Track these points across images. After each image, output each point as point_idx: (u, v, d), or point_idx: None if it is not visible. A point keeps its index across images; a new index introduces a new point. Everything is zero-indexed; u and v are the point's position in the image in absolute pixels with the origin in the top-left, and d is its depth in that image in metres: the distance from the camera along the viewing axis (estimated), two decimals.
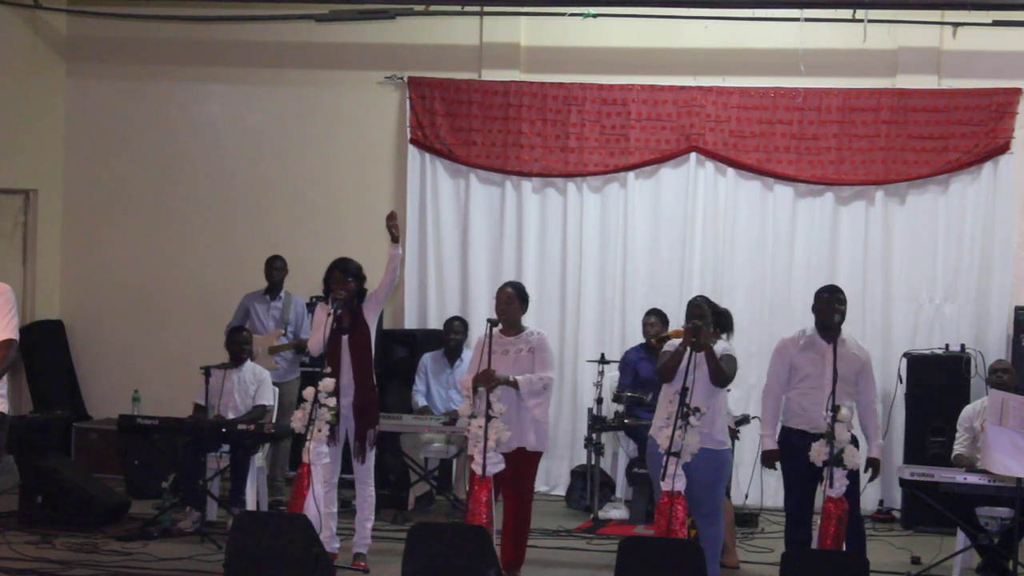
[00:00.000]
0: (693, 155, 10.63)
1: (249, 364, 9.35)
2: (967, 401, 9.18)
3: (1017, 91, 10.22)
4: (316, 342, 7.92)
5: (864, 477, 7.58)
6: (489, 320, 7.63)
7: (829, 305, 7.51)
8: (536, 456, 7.73)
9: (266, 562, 6.84)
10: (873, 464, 7.54)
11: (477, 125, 10.87)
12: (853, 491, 7.38)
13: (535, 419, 7.61)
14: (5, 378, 6.83)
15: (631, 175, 10.72)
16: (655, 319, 9.81)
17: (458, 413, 8.14)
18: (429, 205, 10.97)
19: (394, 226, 7.83)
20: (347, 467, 8.13)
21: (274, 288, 10.18)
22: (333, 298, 7.84)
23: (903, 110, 10.35)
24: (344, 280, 7.86)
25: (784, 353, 7.61)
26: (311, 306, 10.03)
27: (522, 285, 8.06)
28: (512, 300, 7.76)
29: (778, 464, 7.66)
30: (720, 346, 7.48)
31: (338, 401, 7.79)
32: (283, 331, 10.02)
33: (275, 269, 10.18)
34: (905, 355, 9.96)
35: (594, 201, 10.79)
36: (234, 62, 11.50)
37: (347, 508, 8.61)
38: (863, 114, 10.40)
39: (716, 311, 7.78)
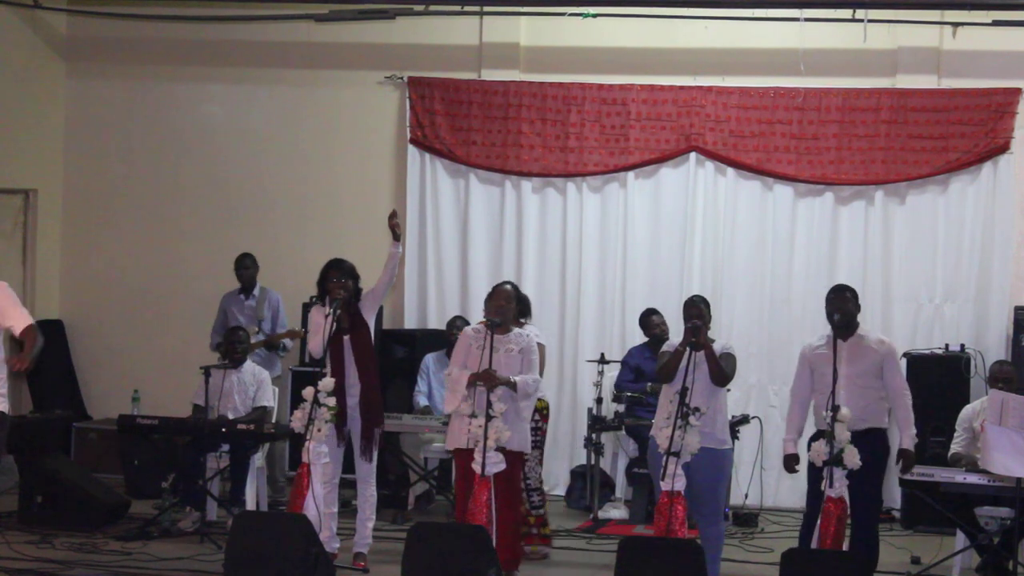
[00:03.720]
0: (693, 155, 10.63)
1: (249, 365, 9.34)
2: (967, 401, 9.18)
3: (1017, 91, 10.23)
4: (316, 345, 7.84)
5: (896, 471, 7.53)
6: (492, 320, 7.64)
7: (830, 304, 7.52)
8: (520, 456, 7.75)
9: (266, 562, 6.84)
10: (904, 456, 7.47)
11: (477, 125, 10.87)
12: (872, 493, 7.38)
13: (521, 420, 7.66)
14: (5, 378, 6.83)
15: (631, 175, 10.72)
16: (657, 318, 9.82)
17: (447, 409, 8.00)
18: (429, 205, 10.97)
19: (396, 224, 7.83)
20: (347, 467, 8.12)
21: (247, 287, 10.16)
22: (332, 299, 7.83)
23: (903, 110, 10.36)
24: (342, 281, 7.85)
25: (803, 357, 7.65)
26: (306, 308, 10.02)
27: (514, 285, 8.07)
28: (511, 298, 7.78)
29: (797, 468, 7.63)
30: (720, 345, 7.49)
31: (343, 402, 7.79)
32: (256, 329, 10.00)
33: (244, 268, 10.14)
34: (905, 355, 9.94)
35: (594, 201, 10.79)
36: (234, 62, 11.50)
37: (347, 508, 8.61)
38: (863, 114, 10.41)
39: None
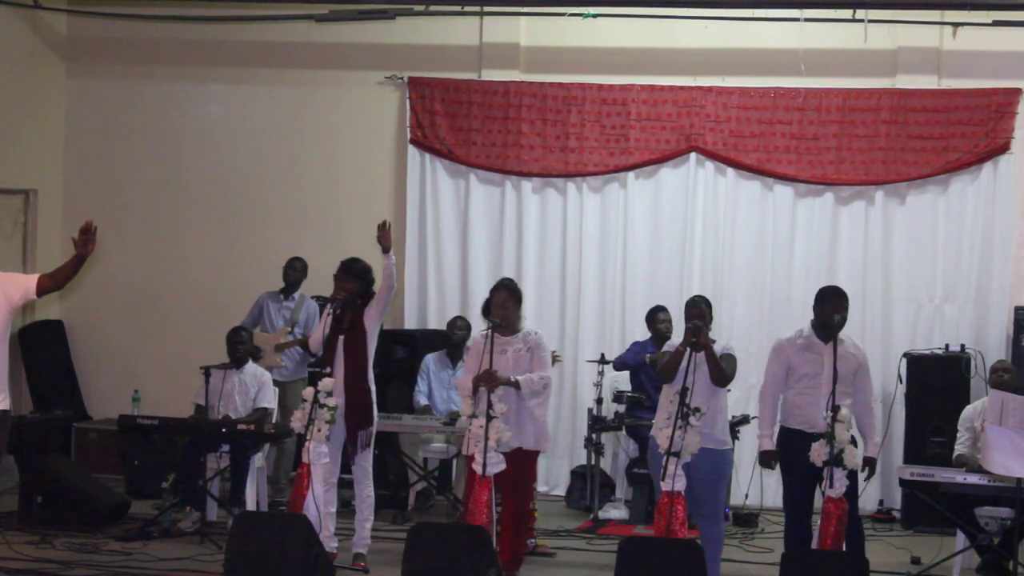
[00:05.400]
0: (693, 155, 10.63)
1: (251, 366, 9.34)
2: (967, 401, 9.18)
3: (1017, 91, 10.23)
4: (315, 340, 7.99)
5: (860, 476, 7.55)
6: (490, 320, 7.65)
7: (830, 306, 7.49)
8: (535, 455, 7.76)
9: (266, 562, 6.84)
10: (869, 463, 7.50)
11: (477, 125, 10.87)
12: (851, 491, 7.38)
13: (535, 419, 7.64)
14: (6, 376, 6.79)
15: (631, 175, 10.73)
16: (664, 315, 9.82)
17: (459, 414, 8.11)
18: (429, 205, 10.97)
19: (380, 236, 7.79)
20: (347, 467, 8.13)
21: (289, 288, 10.20)
22: (332, 297, 7.87)
23: (903, 110, 10.36)
24: (345, 280, 7.86)
25: (781, 353, 7.59)
26: (322, 307, 10.04)
27: (515, 283, 8.02)
28: (508, 303, 7.75)
29: (776, 464, 7.65)
30: (720, 345, 7.49)
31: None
32: (290, 329, 10.03)
33: (292, 270, 10.20)
34: (905, 355, 9.95)
35: (594, 201, 10.79)
36: (234, 62, 11.50)
37: (347, 508, 8.61)
38: (863, 114, 10.41)
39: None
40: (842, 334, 7.51)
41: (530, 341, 7.73)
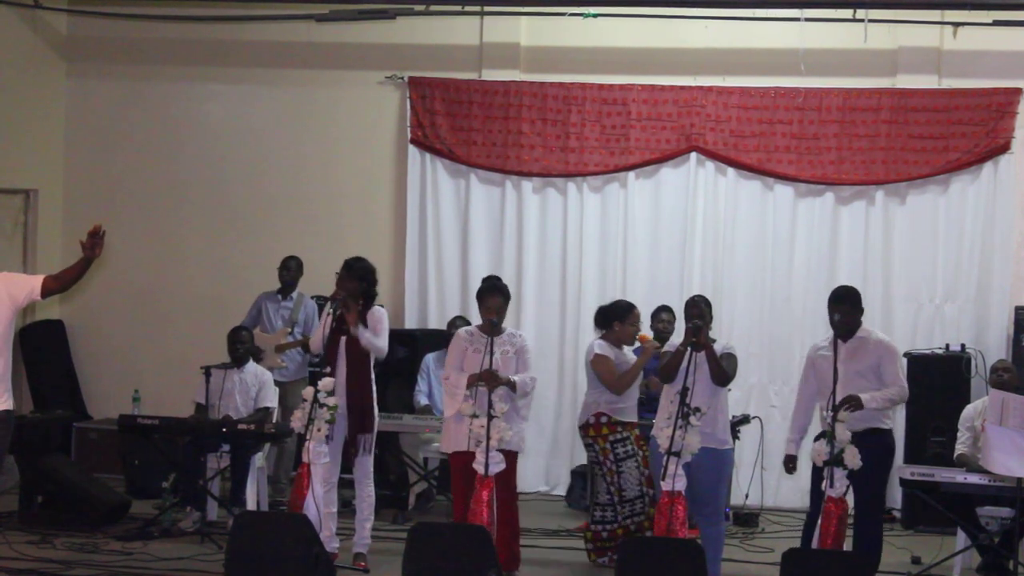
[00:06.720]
0: (693, 155, 10.63)
1: (251, 365, 9.34)
2: (967, 401, 9.18)
3: (1017, 91, 10.23)
4: (316, 340, 8.01)
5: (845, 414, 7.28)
6: (491, 321, 7.67)
7: (830, 308, 7.51)
8: (515, 456, 7.78)
9: (266, 562, 6.85)
10: (850, 399, 7.21)
11: (477, 125, 10.87)
12: (875, 496, 7.38)
13: (520, 419, 7.69)
14: (9, 376, 6.78)
15: (631, 175, 10.73)
16: (667, 315, 9.80)
17: (447, 413, 8.00)
18: (429, 205, 10.96)
19: (341, 305, 7.74)
20: (348, 467, 8.13)
21: (286, 288, 10.20)
22: (332, 297, 7.85)
23: (903, 110, 10.36)
24: (346, 280, 7.85)
25: (808, 358, 7.70)
26: (321, 307, 10.05)
27: (502, 281, 8.03)
28: (503, 308, 7.81)
29: (795, 469, 7.64)
30: (720, 345, 7.50)
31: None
32: (289, 330, 10.03)
33: (286, 269, 10.20)
34: (905, 355, 9.93)
35: (594, 201, 10.79)
36: (234, 62, 11.50)
37: (347, 508, 8.61)
38: (863, 114, 10.41)
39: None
40: (866, 331, 7.56)
41: (516, 343, 7.80)
